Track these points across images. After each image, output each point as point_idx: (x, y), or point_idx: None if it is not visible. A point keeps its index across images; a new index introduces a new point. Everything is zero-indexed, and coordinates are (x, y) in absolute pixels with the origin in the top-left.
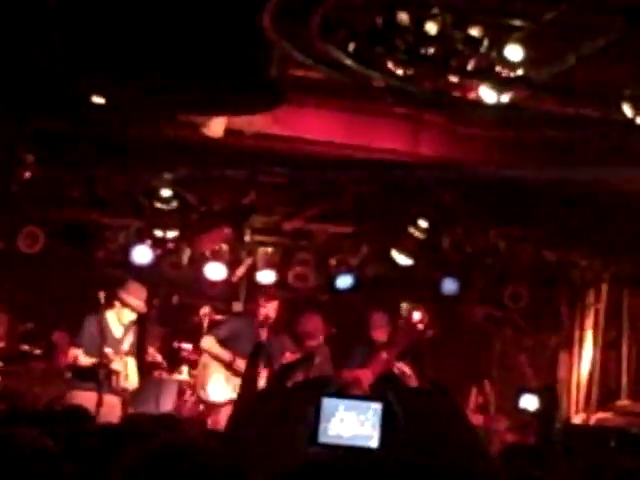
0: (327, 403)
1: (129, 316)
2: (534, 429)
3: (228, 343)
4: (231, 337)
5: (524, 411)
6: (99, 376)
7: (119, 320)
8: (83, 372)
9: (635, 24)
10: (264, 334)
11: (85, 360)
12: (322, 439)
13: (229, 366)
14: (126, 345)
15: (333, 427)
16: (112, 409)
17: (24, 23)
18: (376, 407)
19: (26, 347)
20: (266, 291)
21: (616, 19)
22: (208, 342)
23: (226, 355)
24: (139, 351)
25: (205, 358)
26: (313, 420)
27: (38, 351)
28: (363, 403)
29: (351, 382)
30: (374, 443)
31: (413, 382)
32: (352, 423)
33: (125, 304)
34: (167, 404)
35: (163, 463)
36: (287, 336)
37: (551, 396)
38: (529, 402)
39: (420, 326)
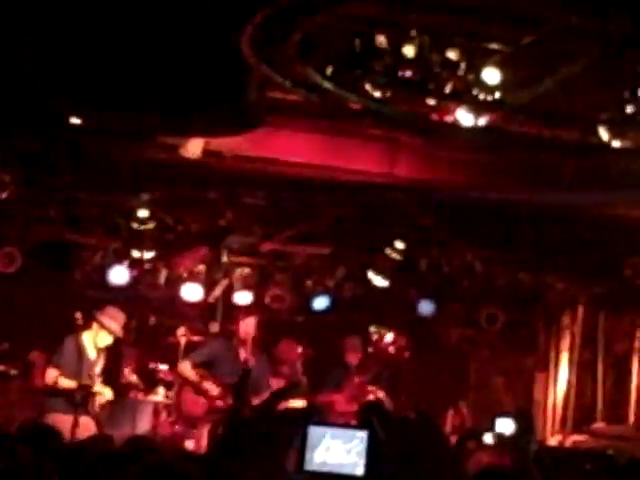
0: (313, 431)
1: (105, 340)
2: (510, 451)
3: (207, 367)
4: (209, 361)
5: (499, 435)
6: (76, 398)
7: (94, 343)
8: (60, 394)
9: (611, 48)
10: (243, 354)
11: (64, 382)
12: (308, 467)
13: (197, 387)
14: (98, 368)
15: (318, 455)
16: (88, 431)
17: (2, 46)
18: (361, 435)
19: (2, 367)
20: (246, 312)
21: (592, 43)
22: (182, 366)
23: (194, 377)
24: (115, 372)
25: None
26: (299, 448)
27: (14, 371)
28: (349, 432)
29: (324, 406)
30: (360, 471)
31: (388, 405)
32: (338, 451)
33: (103, 327)
34: (143, 425)
35: None
36: (267, 358)
37: (526, 419)
38: (504, 426)
39: (391, 349)
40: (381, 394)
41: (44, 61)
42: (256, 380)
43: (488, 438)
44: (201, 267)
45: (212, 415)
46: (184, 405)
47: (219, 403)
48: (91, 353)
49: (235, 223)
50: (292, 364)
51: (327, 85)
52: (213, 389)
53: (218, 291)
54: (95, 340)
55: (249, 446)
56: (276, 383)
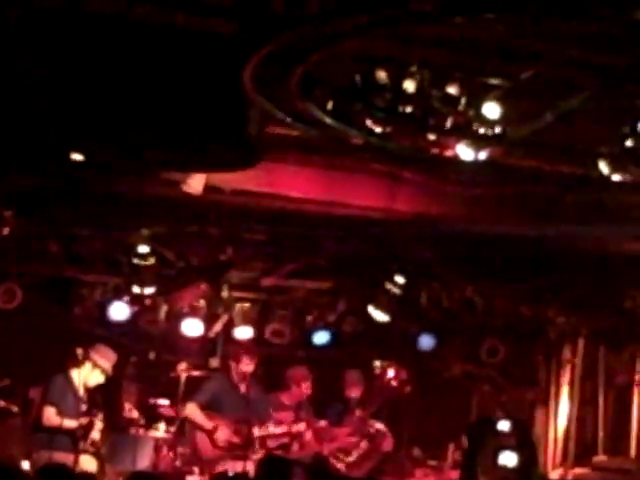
0: None
1: (97, 378)
2: None
3: (211, 406)
4: (213, 399)
5: (503, 468)
6: (75, 435)
7: (84, 381)
8: (58, 431)
9: (610, 82)
10: (243, 388)
11: (65, 421)
12: None
13: (210, 434)
14: (83, 404)
15: None
16: (89, 467)
17: (5, 82)
18: None
19: (3, 403)
20: (246, 348)
21: (592, 77)
22: (190, 409)
23: (208, 424)
24: (115, 407)
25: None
26: None
27: (15, 408)
28: None
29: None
30: None
31: (389, 440)
32: None
33: (96, 365)
34: (144, 461)
35: None
36: (268, 393)
37: (530, 452)
38: (508, 459)
39: (394, 383)
40: (382, 428)
41: (45, 97)
42: (257, 411)
43: (503, 425)
44: (201, 302)
45: (229, 452)
46: (200, 447)
47: (235, 439)
48: (80, 390)
49: (235, 258)
50: (304, 386)
51: (328, 120)
52: (224, 434)
53: (218, 326)
54: (86, 379)
55: None
56: (282, 416)
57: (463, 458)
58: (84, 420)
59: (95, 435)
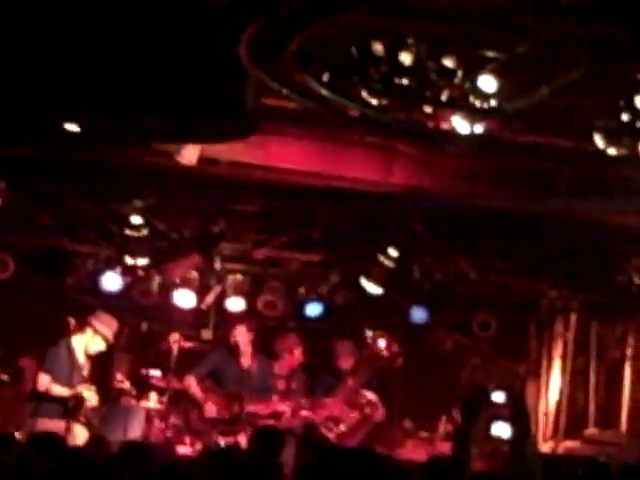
0: None
1: (98, 345)
2: (504, 456)
3: (212, 378)
4: (212, 372)
5: (497, 439)
6: (68, 405)
7: (85, 348)
8: (52, 400)
9: (606, 56)
10: (243, 360)
11: (56, 388)
12: None
13: (200, 407)
14: (85, 371)
15: None
16: (80, 437)
17: None
18: None
19: None
20: (234, 319)
21: (588, 51)
22: (188, 381)
23: (199, 394)
24: (107, 378)
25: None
26: None
27: (6, 377)
28: None
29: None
30: None
31: (380, 411)
32: None
33: (97, 332)
34: (135, 431)
35: None
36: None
37: (523, 423)
38: (501, 430)
39: (385, 353)
40: (374, 398)
41: (39, 67)
42: (260, 384)
43: (497, 396)
44: (194, 274)
45: (219, 426)
46: (192, 419)
47: (223, 414)
48: (80, 357)
49: (228, 230)
50: (293, 353)
51: (324, 92)
52: (211, 410)
53: (211, 298)
54: (87, 345)
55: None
56: (277, 383)
57: (455, 429)
58: (80, 388)
59: (92, 403)
